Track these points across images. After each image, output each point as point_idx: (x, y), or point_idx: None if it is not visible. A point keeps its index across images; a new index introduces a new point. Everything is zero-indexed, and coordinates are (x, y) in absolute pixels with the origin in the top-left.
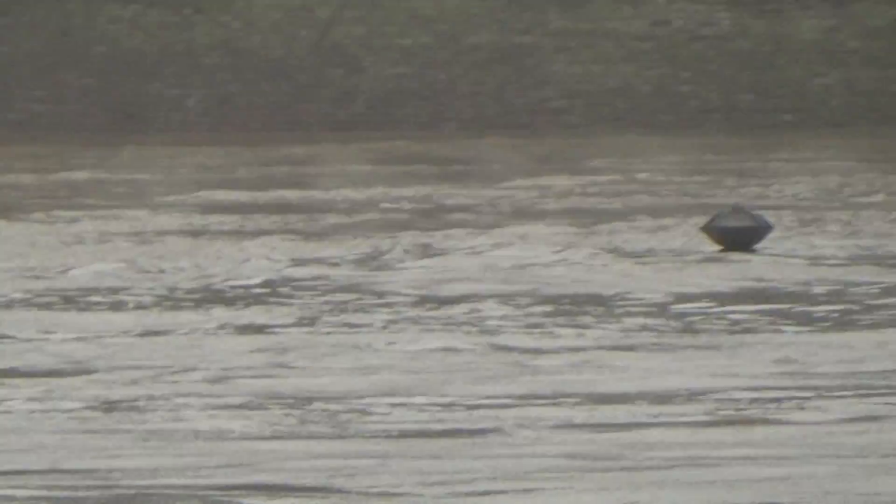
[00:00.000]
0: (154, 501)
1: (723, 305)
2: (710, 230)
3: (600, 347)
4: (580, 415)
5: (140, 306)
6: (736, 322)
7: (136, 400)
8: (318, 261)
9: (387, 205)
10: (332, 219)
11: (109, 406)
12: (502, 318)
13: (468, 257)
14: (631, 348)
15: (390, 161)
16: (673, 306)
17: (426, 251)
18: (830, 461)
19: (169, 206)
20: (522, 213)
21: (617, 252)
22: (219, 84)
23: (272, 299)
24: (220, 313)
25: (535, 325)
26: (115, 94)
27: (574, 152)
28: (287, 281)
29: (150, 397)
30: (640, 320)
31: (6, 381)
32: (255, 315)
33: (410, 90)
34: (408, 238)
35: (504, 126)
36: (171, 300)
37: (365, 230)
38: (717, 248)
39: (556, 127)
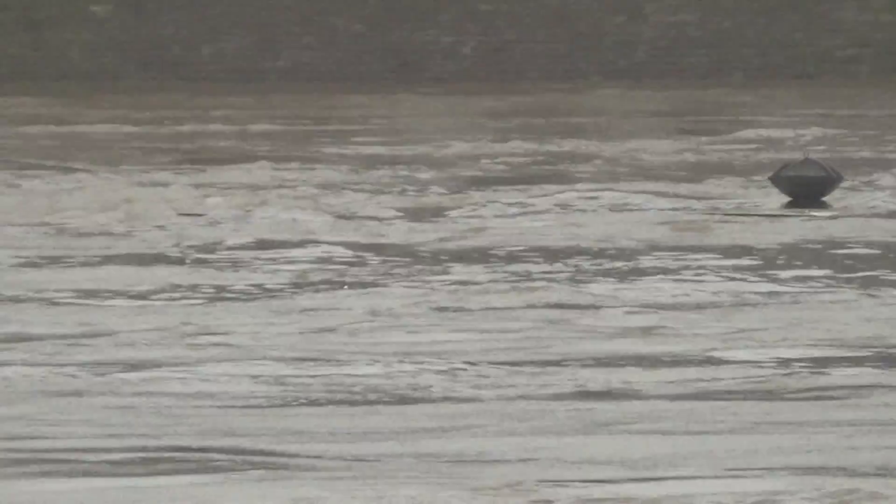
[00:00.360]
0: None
1: (773, 267)
2: (779, 180)
3: (645, 307)
4: (596, 381)
5: (185, 262)
6: (785, 284)
7: (128, 365)
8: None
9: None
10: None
11: (99, 370)
12: (551, 277)
13: (545, 214)
14: (676, 308)
15: (657, 113)
16: (725, 267)
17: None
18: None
19: (321, 158)
20: (656, 169)
21: (695, 210)
22: (495, 31)
23: (315, 257)
24: (246, 274)
25: (584, 284)
26: (387, 41)
27: (830, 103)
28: (339, 243)
29: (152, 363)
30: (684, 282)
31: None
32: (282, 277)
33: (694, 38)
34: (484, 195)
35: (791, 76)
36: (212, 259)
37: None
38: (785, 199)
39: (844, 77)
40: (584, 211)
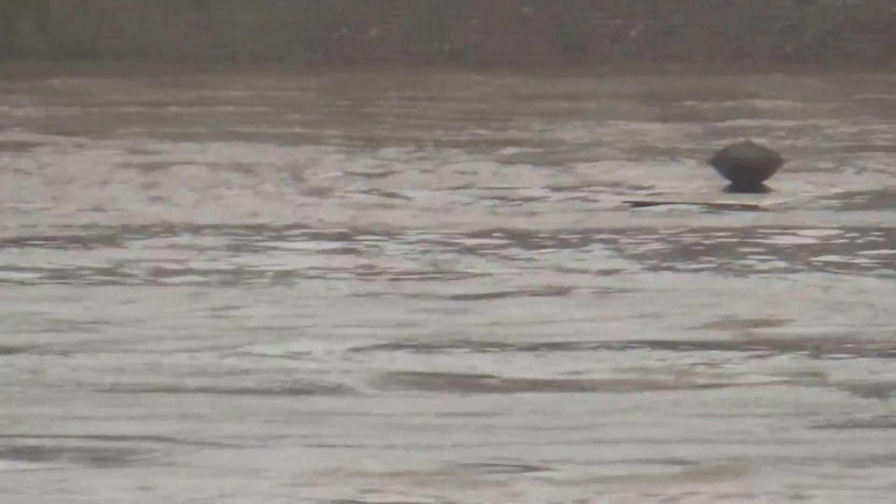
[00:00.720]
0: None
1: (678, 256)
2: (720, 163)
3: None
4: (462, 370)
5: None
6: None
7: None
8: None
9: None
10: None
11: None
12: (435, 259)
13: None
14: (567, 293)
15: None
16: (631, 253)
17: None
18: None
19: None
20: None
21: (628, 195)
22: (664, 14)
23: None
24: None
25: (488, 273)
26: (555, 24)
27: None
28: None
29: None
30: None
31: None
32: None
33: (862, 22)
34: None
35: None
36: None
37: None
38: (726, 182)
39: None
40: (544, 200)
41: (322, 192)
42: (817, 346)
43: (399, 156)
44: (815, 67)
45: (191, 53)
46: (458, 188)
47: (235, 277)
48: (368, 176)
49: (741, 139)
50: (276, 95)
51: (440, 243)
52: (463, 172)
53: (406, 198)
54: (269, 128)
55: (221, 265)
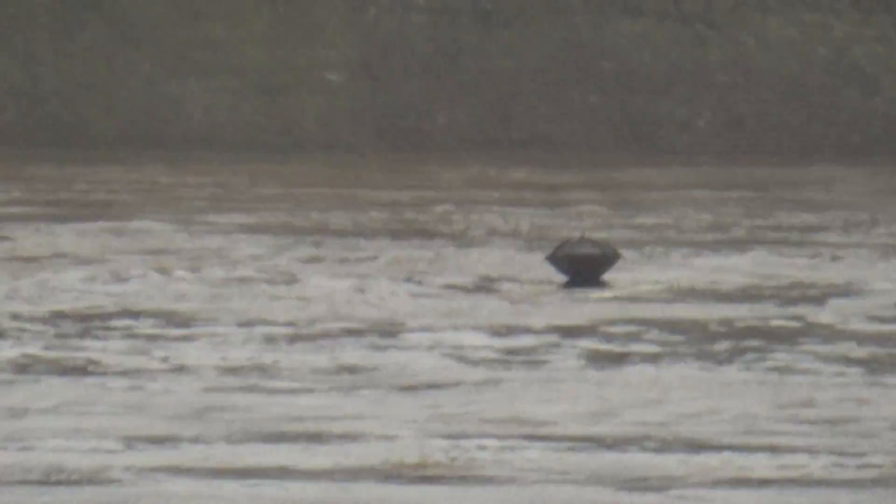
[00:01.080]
0: None
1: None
2: (556, 260)
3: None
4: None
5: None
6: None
7: None
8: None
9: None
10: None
11: None
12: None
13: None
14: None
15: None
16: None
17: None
18: None
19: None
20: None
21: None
22: (730, 104)
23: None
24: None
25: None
26: (622, 113)
27: None
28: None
29: None
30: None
31: None
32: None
33: None
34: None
35: None
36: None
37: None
38: (563, 278)
39: None
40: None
41: (161, 279)
42: (605, 441)
43: (279, 244)
44: (885, 159)
45: (257, 141)
46: (300, 278)
47: (25, 368)
48: (205, 264)
49: (576, 235)
50: (245, 182)
51: (242, 336)
52: (317, 260)
53: (246, 288)
54: (176, 213)
55: (10, 354)
